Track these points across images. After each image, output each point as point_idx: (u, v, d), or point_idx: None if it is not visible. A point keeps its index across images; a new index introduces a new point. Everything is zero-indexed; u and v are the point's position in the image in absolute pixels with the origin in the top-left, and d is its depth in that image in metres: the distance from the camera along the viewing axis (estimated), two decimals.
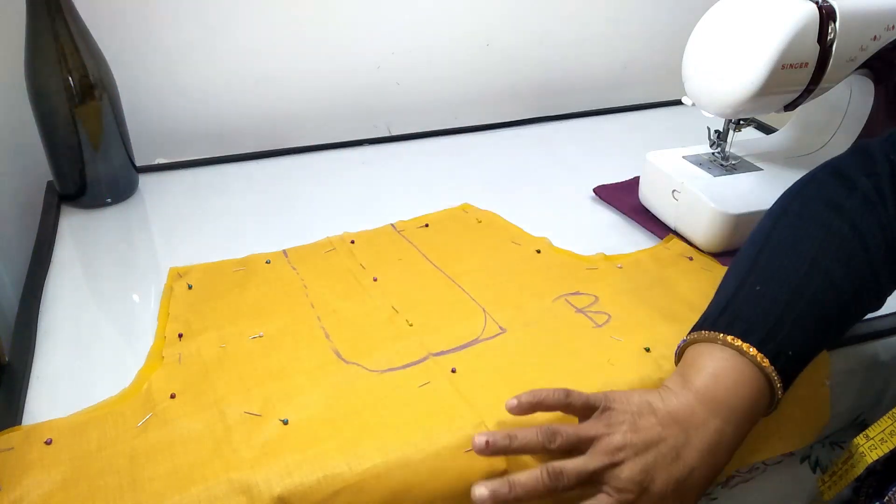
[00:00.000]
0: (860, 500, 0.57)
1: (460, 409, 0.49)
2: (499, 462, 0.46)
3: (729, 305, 0.49)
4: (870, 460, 0.52)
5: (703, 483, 0.44)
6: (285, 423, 0.47)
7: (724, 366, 0.46)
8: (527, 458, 0.47)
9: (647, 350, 0.54)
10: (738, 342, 0.47)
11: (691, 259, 0.66)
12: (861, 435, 0.53)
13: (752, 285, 0.50)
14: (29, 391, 0.51)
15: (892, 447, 0.52)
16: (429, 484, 0.45)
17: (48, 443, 0.46)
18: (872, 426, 0.53)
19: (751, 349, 0.46)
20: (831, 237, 0.51)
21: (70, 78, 0.68)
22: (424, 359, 0.54)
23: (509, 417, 0.47)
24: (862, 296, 0.50)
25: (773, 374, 0.46)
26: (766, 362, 0.46)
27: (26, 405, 0.50)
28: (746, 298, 0.49)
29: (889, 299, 0.64)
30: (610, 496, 0.42)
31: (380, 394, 0.50)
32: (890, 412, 0.53)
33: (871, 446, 0.52)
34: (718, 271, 0.64)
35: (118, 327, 0.58)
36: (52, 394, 0.51)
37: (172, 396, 0.50)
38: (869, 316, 0.61)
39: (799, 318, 0.48)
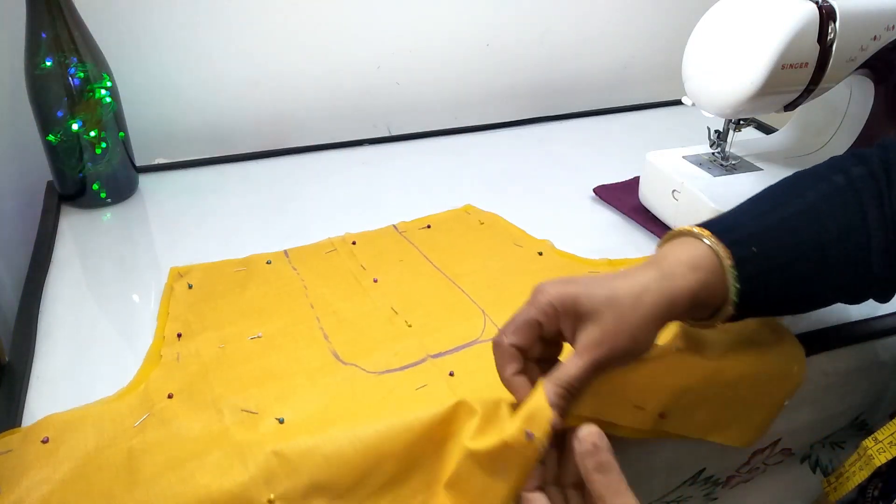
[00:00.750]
0: (866, 502, 0.57)
1: (457, 412, 0.48)
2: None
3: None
4: (878, 463, 0.52)
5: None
6: (281, 422, 0.47)
7: (681, 246, 0.46)
8: None
9: None
10: (699, 229, 0.47)
11: None
12: (870, 437, 0.53)
13: (737, 206, 0.50)
14: (29, 391, 0.51)
15: None
16: (427, 446, 0.45)
17: (45, 441, 0.46)
18: (881, 429, 0.53)
19: (712, 237, 0.46)
20: (828, 183, 0.51)
21: (70, 77, 0.68)
22: (423, 360, 0.54)
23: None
24: (848, 245, 0.48)
25: (728, 259, 0.45)
26: (721, 248, 0.45)
27: (26, 405, 0.50)
28: (726, 213, 0.50)
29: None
30: None
31: (377, 395, 0.50)
32: None
33: (879, 449, 0.52)
34: None
35: (118, 327, 0.58)
36: (52, 394, 0.51)
37: (170, 396, 0.49)
38: (869, 316, 0.61)
39: (771, 227, 0.48)
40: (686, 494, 0.62)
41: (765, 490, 0.64)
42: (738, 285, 0.46)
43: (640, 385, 0.49)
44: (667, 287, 0.43)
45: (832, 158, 0.54)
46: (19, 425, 0.48)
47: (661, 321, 0.44)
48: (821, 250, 0.48)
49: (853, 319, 0.61)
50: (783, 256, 0.48)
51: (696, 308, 0.46)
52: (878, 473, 0.57)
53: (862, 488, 0.58)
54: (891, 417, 0.55)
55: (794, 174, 0.53)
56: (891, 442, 0.52)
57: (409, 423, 0.45)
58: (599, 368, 0.42)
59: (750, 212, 0.50)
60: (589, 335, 0.42)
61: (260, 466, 0.43)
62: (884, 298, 0.52)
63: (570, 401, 0.41)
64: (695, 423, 0.53)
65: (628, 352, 0.43)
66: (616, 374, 0.45)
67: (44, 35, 0.67)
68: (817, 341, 0.57)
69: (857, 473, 0.53)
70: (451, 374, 0.52)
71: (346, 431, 0.44)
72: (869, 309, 0.63)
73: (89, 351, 0.55)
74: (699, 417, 0.53)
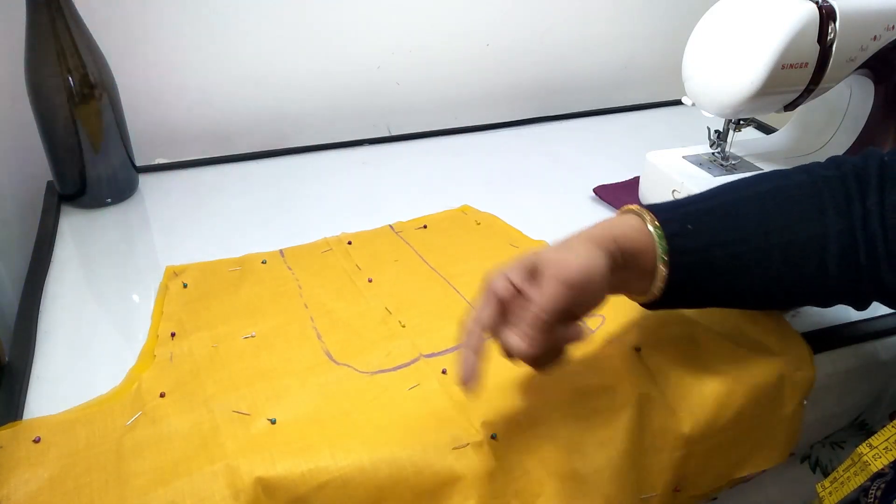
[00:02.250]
0: (868, 502, 0.57)
1: (449, 412, 0.48)
2: (488, 460, 0.46)
3: None
4: (874, 469, 0.52)
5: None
6: (273, 422, 0.47)
7: (619, 219, 0.49)
8: (520, 458, 0.47)
9: (638, 350, 0.54)
10: (639, 207, 0.49)
11: None
12: (864, 444, 0.53)
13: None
14: (29, 391, 0.51)
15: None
16: (415, 479, 0.45)
17: (37, 441, 0.46)
18: (876, 435, 0.53)
19: (648, 215, 0.48)
20: (788, 179, 0.51)
21: (70, 78, 0.68)
22: (415, 360, 0.54)
23: (498, 419, 0.47)
24: (798, 236, 0.48)
25: (658, 231, 0.47)
26: (655, 222, 0.47)
27: (26, 405, 0.50)
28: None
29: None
30: None
31: (369, 395, 0.50)
32: (894, 422, 0.53)
33: (875, 455, 0.52)
34: None
35: (118, 327, 0.58)
36: (52, 393, 0.51)
37: (162, 395, 0.50)
38: (869, 316, 0.61)
39: (712, 210, 0.49)
40: None
41: (765, 490, 0.64)
42: (664, 244, 0.47)
43: (640, 474, 0.49)
44: (601, 259, 0.45)
45: (811, 163, 0.54)
46: (6, 424, 0.48)
47: (606, 262, 0.45)
48: (764, 236, 0.48)
49: (853, 319, 0.61)
50: (721, 235, 0.48)
51: (630, 270, 0.47)
52: (881, 474, 0.57)
53: (864, 489, 0.58)
54: (891, 418, 0.55)
55: (763, 172, 0.53)
56: (886, 447, 0.52)
57: (407, 458, 0.45)
58: (561, 300, 0.43)
59: (698, 196, 0.51)
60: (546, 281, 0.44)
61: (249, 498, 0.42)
62: (856, 305, 0.51)
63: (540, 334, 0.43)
64: (715, 475, 0.54)
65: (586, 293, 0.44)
66: (611, 470, 0.47)
67: (44, 35, 0.67)
68: (817, 341, 0.57)
69: (851, 479, 0.53)
70: (444, 372, 0.52)
71: (336, 457, 0.44)
72: (869, 309, 0.63)
73: (89, 351, 0.55)
74: (717, 468, 0.53)
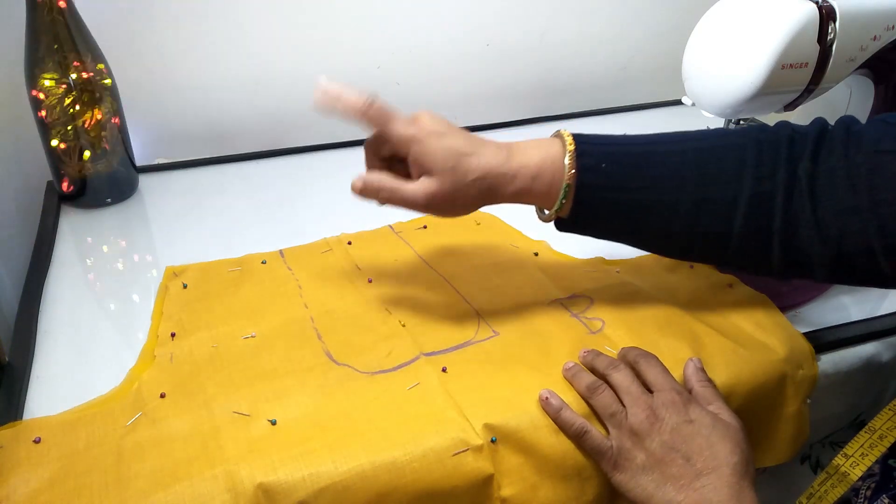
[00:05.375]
0: (859, 501, 0.57)
1: (448, 412, 0.48)
2: (486, 465, 0.46)
3: None
4: (854, 478, 0.52)
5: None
6: (273, 423, 0.47)
7: (545, 144, 0.52)
8: (517, 461, 0.47)
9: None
10: (567, 135, 0.51)
11: (692, 266, 0.66)
12: (839, 455, 0.53)
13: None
14: (29, 391, 0.51)
15: (873, 460, 0.52)
16: (414, 486, 0.45)
17: (37, 441, 0.46)
18: (849, 444, 0.53)
19: (571, 145, 0.50)
20: (723, 137, 0.52)
21: (70, 78, 0.68)
22: (415, 359, 0.53)
23: (498, 420, 0.47)
24: (711, 194, 0.50)
25: (570, 144, 0.50)
26: (573, 153, 0.50)
27: (26, 405, 0.50)
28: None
29: (889, 299, 0.64)
30: None
31: (369, 396, 0.50)
32: (865, 427, 0.53)
33: (852, 463, 0.53)
34: (717, 278, 0.63)
35: (118, 327, 0.58)
36: (52, 393, 0.51)
37: (162, 396, 0.49)
38: (868, 316, 0.61)
39: (634, 154, 0.51)
40: None
41: (764, 490, 0.64)
42: (571, 175, 0.50)
43: None
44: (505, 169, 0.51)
45: (760, 125, 0.55)
46: (7, 424, 0.48)
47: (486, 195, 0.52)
48: (675, 189, 0.50)
49: (853, 319, 0.61)
50: (632, 181, 0.51)
51: (534, 195, 0.52)
52: (872, 475, 0.57)
53: (855, 489, 0.58)
54: (858, 427, 0.56)
55: (716, 129, 0.55)
56: (862, 453, 0.52)
57: (407, 464, 0.45)
58: (426, 207, 0.52)
59: (633, 139, 0.53)
60: (425, 183, 0.51)
61: (249, 503, 0.42)
62: (766, 272, 0.52)
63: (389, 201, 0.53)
64: None
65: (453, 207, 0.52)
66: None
67: (43, 35, 0.67)
68: (817, 341, 0.57)
69: (830, 492, 0.53)
70: (444, 370, 0.52)
71: (336, 462, 0.44)
72: (869, 309, 0.63)
73: (89, 351, 0.55)
74: None
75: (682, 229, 0.51)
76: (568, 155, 0.50)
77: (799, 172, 0.49)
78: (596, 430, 0.47)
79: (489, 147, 0.51)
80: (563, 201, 0.51)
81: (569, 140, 0.51)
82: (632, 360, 0.51)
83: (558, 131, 0.53)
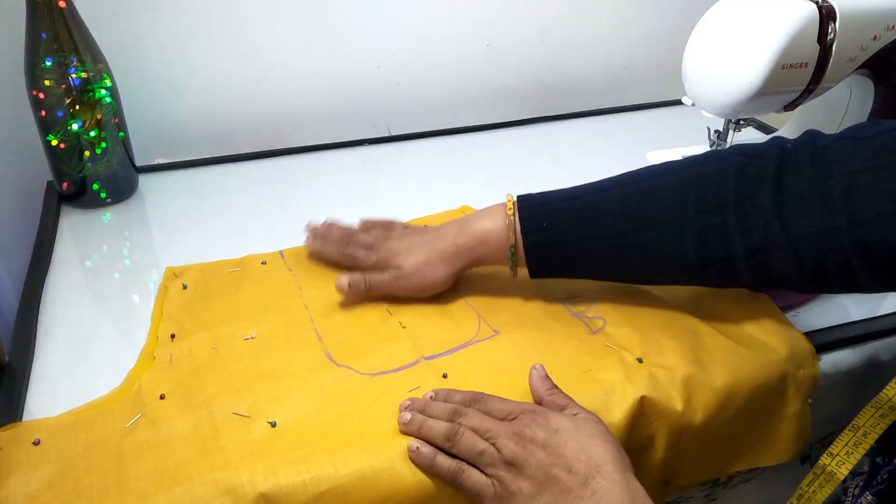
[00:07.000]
0: (847, 499, 0.58)
1: None
2: None
3: None
4: (841, 476, 0.52)
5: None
6: (273, 425, 0.47)
7: (492, 215, 0.57)
8: None
9: (640, 360, 0.53)
10: (512, 204, 0.56)
11: None
12: (825, 454, 0.53)
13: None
14: (29, 391, 0.51)
15: (858, 457, 0.52)
16: (415, 489, 0.44)
17: (36, 443, 0.46)
18: (834, 443, 0.54)
19: (514, 213, 0.55)
20: (662, 175, 0.53)
21: (70, 78, 0.68)
22: (416, 362, 0.53)
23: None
24: (656, 234, 0.52)
25: (509, 210, 0.55)
26: (509, 206, 0.55)
27: (26, 405, 0.50)
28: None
29: (889, 299, 0.64)
30: None
31: (370, 397, 0.50)
32: (850, 425, 0.53)
33: (838, 462, 0.53)
34: None
35: (118, 327, 0.58)
36: (52, 393, 0.51)
37: (162, 397, 0.49)
38: (868, 316, 0.61)
39: (570, 210, 0.54)
40: (686, 495, 0.62)
41: (764, 490, 0.64)
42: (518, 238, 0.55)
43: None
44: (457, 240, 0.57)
45: (703, 155, 0.55)
46: (7, 425, 0.48)
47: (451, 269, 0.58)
48: (617, 235, 0.53)
49: (853, 319, 0.61)
50: (572, 234, 0.54)
51: (491, 259, 0.57)
52: (859, 473, 0.57)
53: (844, 488, 0.58)
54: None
55: (651, 166, 0.56)
56: (847, 452, 0.53)
57: (408, 467, 0.45)
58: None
59: (569, 193, 0.56)
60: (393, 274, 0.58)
61: None
62: (749, 289, 0.55)
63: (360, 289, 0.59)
64: (705, 470, 0.54)
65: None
66: None
67: (43, 35, 0.67)
68: (817, 341, 0.57)
69: (818, 492, 0.54)
70: (445, 377, 0.52)
71: (336, 466, 0.44)
72: (869, 309, 0.63)
73: (89, 351, 0.55)
74: (709, 463, 0.54)
75: (633, 270, 0.55)
76: (507, 220, 0.55)
77: (760, 200, 0.49)
78: (474, 470, 0.44)
79: (446, 235, 0.57)
80: (514, 260, 0.56)
81: (509, 205, 0.56)
82: (467, 402, 0.48)
83: (507, 196, 0.57)
